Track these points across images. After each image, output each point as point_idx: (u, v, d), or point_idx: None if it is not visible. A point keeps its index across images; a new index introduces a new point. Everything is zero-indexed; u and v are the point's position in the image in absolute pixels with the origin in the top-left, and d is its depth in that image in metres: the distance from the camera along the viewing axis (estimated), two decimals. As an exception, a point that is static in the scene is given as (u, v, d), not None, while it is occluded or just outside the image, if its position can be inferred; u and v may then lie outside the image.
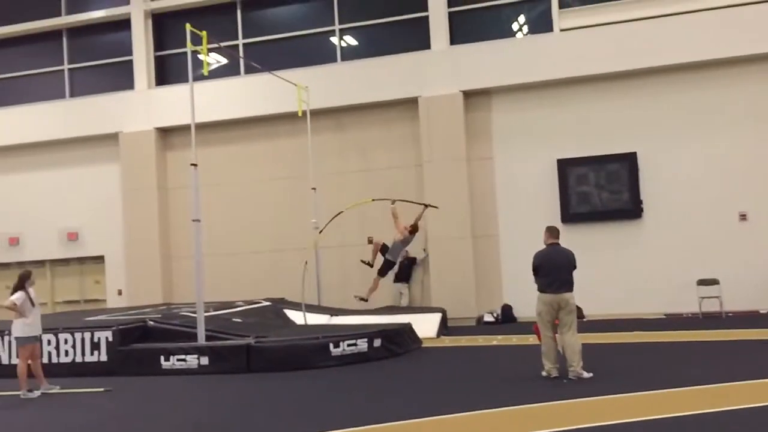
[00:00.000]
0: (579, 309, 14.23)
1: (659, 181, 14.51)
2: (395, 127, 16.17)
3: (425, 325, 12.88)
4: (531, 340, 10.30)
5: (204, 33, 11.84)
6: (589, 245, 14.41)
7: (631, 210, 14.58)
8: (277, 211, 16.59)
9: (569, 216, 14.82)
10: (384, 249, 13.69)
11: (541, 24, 15.55)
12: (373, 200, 14.10)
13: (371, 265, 13.85)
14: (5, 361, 11.35)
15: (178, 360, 10.71)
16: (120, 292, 17.63)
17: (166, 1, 17.73)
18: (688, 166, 14.44)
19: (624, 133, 14.75)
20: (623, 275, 14.54)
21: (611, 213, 14.70)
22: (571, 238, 14.22)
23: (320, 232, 13.75)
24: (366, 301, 13.86)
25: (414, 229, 13.48)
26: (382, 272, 13.81)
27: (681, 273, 14.18)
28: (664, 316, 14.14)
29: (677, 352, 10.24)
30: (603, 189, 14.72)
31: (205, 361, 10.60)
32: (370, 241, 16.02)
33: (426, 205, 13.67)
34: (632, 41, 14.51)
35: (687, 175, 14.42)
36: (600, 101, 14.98)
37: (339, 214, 13.93)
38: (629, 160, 14.56)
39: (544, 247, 8.84)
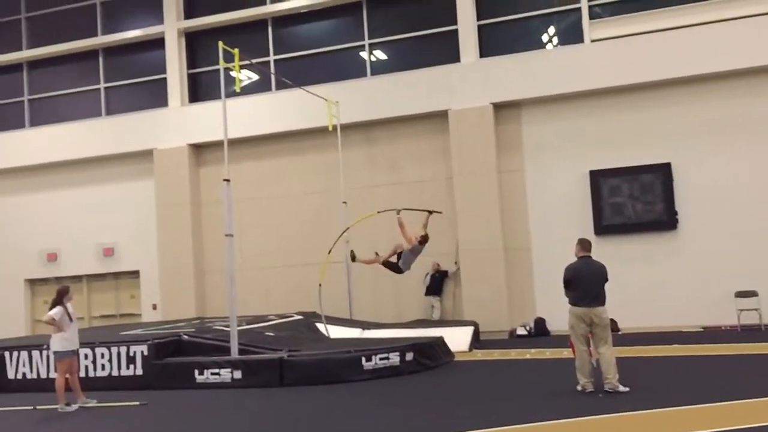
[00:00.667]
0: (614, 322, 14.10)
1: (694, 192, 14.30)
2: (425, 140, 16.19)
3: (457, 339, 12.81)
4: (565, 353, 10.18)
5: (236, 50, 12.01)
6: (623, 257, 14.25)
7: (666, 221, 14.37)
8: (309, 225, 16.67)
9: (602, 228, 14.66)
10: (400, 255, 13.34)
11: (572, 35, 15.47)
12: (378, 212, 13.87)
13: (353, 259, 13.52)
14: (44, 375, 11.56)
15: (212, 374, 10.79)
16: (155, 307, 17.86)
17: (199, 20, 18.04)
18: (723, 175, 14.20)
19: (657, 143, 14.58)
20: (659, 288, 14.31)
21: (645, 225, 14.51)
22: (605, 250, 14.06)
23: (329, 252, 13.58)
24: (353, 260, 13.47)
25: (424, 239, 13.09)
26: (387, 265, 13.22)
27: (718, 285, 13.92)
28: (702, 330, 13.88)
29: (716, 366, 10.03)
30: (636, 200, 14.54)
31: (238, 374, 10.67)
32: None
33: (430, 212, 13.44)
34: (664, 51, 14.36)
35: (723, 185, 14.19)
36: (632, 111, 14.83)
37: (346, 230, 13.80)
38: (663, 171, 14.37)
39: (575, 259, 8.75)
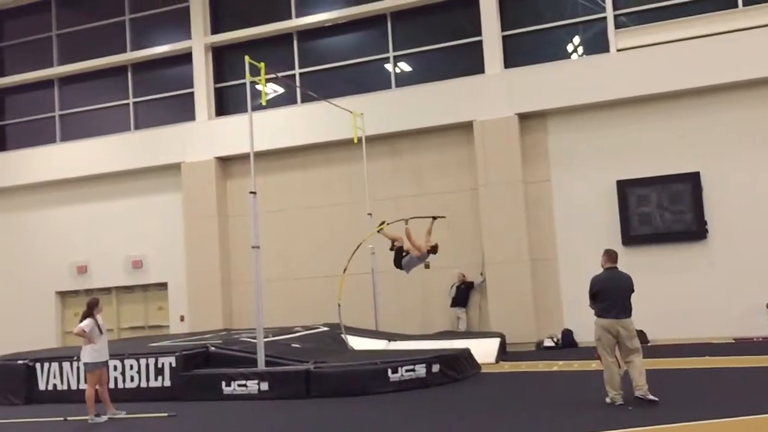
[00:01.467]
0: (643, 334, 13.93)
1: (724, 201, 14.10)
2: (450, 151, 16.18)
3: (484, 350, 12.72)
4: (594, 365, 10.07)
5: (262, 64, 12.14)
6: (652, 268, 14.08)
7: (695, 231, 14.18)
8: (334, 236, 16.72)
9: (630, 238, 14.51)
10: (399, 251, 13.15)
11: (597, 44, 15.40)
12: (383, 224, 13.68)
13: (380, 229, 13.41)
14: (74, 386, 11.71)
15: (239, 385, 10.84)
16: (182, 318, 18.01)
17: (226, 35, 18.26)
18: (754, 184, 13.99)
19: (685, 152, 14.42)
20: (689, 298, 14.11)
21: (674, 235, 14.32)
22: (633, 261, 13.95)
23: (344, 270, 13.57)
24: (379, 230, 13.35)
25: (434, 249, 12.87)
26: (396, 251, 13.11)
27: (750, 296, 13.67)
28: (734, 341, 13.63)
29: (748, 378, 9.85)
30: (665, 210, 14.37)
31: (265, 386, 10.71)
32: (426, 266, 16.00)
33: (434, 218, 13.42)
34: (692, 59, 14.22)
35: (753, 194, 13.97)
36: (659, 120, 14.69)
37: (357, 249, 13.72)
38: (692, 180, 14.20)
39: (601, 270, 8.67)
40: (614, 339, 8.35)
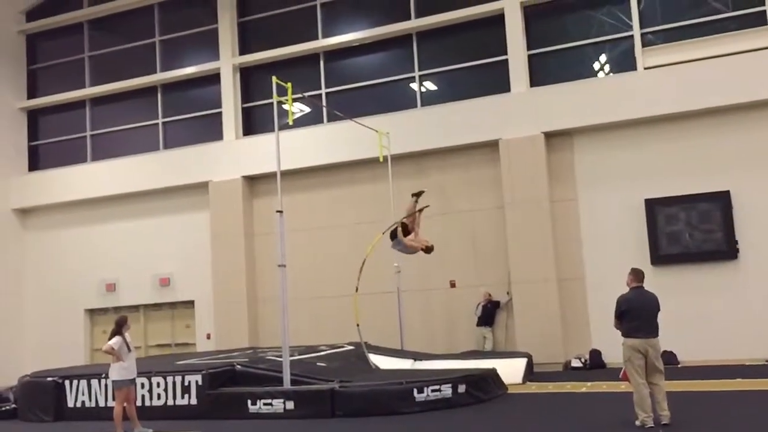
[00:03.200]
0: (673, 355, 13.75)
1: (755, 221, 13.86)
2: (476, 170, 16.16)
3: (510, 371, 12.60)
4: (623, 387, 9.92)
5: (289, 84, 12.26)
6: (682, 288, 13.89)
7: (726, 251, 13.95)
8: (360, 255, 16.67)
9: (659, 258, 14.32)
10: (393, 234, 13.28)
11: (624, 63, 15.33)
12: (383, 234, 13.70)
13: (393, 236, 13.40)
14: (102, 404, 11.81)
15: (265, 404, 10.86)
16: (209, 336, 18.10)
17: (253, 55, 18.49)
18: (786, 203, 13.77)
19: (715, 170, 14.23)
20: (720, 319, 13.86)
21: (704, 254, 14.11)
22: (663, 281, 13.77)
23: (357, 289, 13.59)
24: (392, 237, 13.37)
25: (429, 249, 13.22)
26: (404, 226, 13.30)
27: (783, 316, 13.41)
28: (766, 362, 13.35)
29: (783, 402, 9.64)
30: (695, 229, 14.18)
31: (290, 405, 10.71)
32: (452, 284, 15.98)
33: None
34: (720, 77, 14.09)
35: (786, 213, 13.74)
36: (688, 139, 14.54)
37: (364, 262, 13.75)
38: (722, 199, 14.00)
39: (628, 290, 8.58)
40: (643, 359, 8.25)
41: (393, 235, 13.36)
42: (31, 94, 21.21)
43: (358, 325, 13.37)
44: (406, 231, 13.32)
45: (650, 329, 8.31)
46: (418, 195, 13.75)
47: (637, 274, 8.63)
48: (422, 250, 13.31)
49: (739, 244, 13.91)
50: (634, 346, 8.28)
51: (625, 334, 8.37)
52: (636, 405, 8.27)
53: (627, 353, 8.34)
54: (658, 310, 8.45)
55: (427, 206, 13.84)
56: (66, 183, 19.93)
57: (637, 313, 8.33)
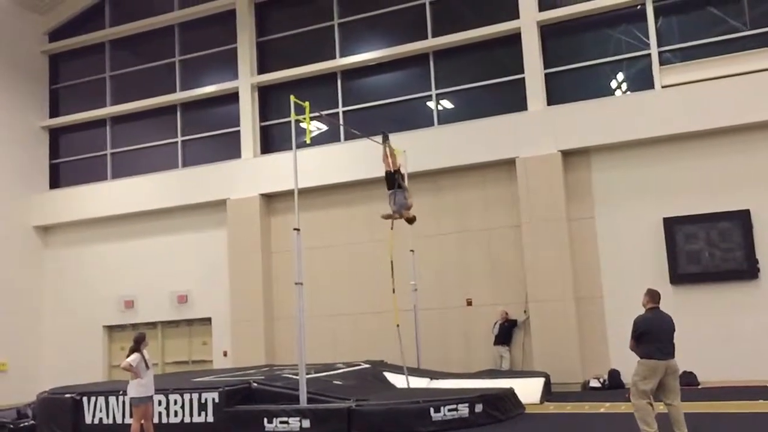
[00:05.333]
0: (693, 376, 13.58)
1: (776, 240, 13.74)
2: (492, 188, 16.15)
3: (528, 390, 12.51)
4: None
5: (307, 103, 12.36)
6: (702, 307, 13.78)
7: (746, 270, 13.80)
8: (376, 273, 16.71)
9: (678, 277, 14.19)
10: (392, 184, 13.19)
11: (641, 81, 15.31)
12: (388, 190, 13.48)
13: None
14: (119, 421, 11.85)
15: (281, 422, 10.83)
16: (225, 354, 18.14)
17: (272, 75, 18.68)
18: (807, 222, 13.62)
19: (734, 189, 14.13)
20: (741, 339, 13.68)
21: (724, 274, 13.96)
22: (682, 300, 13.70)
23: (393, 291, 13.48)
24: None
25: (411, 220, 13.12)
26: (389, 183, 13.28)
27: (806, 337, 13.22)
28: (789, 384, 13.16)
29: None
30: (714, 248, 14.05)
31: (306, 423, 10.67)
32: (469, 303, 15.93)
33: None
34: (739, 95, 14.02)
35: (807, 232, 13.59)
36: (707, 157, 14.45)
37: (392, 265, 13.64)
38: (742, 218, 13.88)
39: (644, 311, 8.53)
40: (658, 381, 8.17)
41: (391, 185, 13.13)
42: (53, 113, 21.53)
43: (398, 326, 13.30)
44: (392, 176, 13.17)
45: (669, 350, 8.26)
46: (386, 138, 13.63)
47: (653, 295, 8.56)
48: (406, 219, 13.07)
49: (760, 263, 13.76)
50: (653, 367, 8.20)
51: (645, 355, 8.29)
52: (641, 421, 8.16)
53: (644, 373, 8.26)
54: (674, 330, 8.42)
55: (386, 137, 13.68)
56: (86, 201, 20.15)
57: (655, 335, 8.27)
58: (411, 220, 13.26)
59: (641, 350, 8.33)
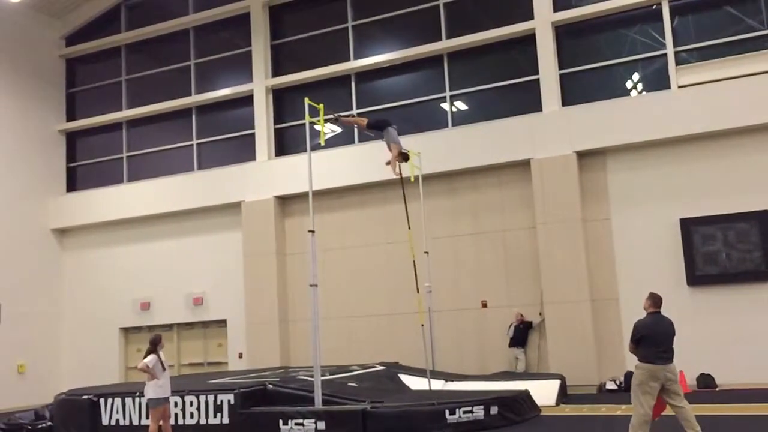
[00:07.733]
0: (711, 378, 13.45)
1: (795, 240, 13.58)
2: (507, 189, 16.10)
3: (543, 392, 12.45)
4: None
5: (321, 105, 12.38)
6: (720, 309, 13.64)
7: (765, 271, 13.66)
8: (391, 275, 16.73)
9: (695, 278, 14.07)
10: (383, 124, 13.19)
11: (657, 81, 15.20)
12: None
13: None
14: (136, 422, 11.90)
15: (296, 424, 10.83)
16: (240, 355, 18.19)
17: (286, 77, 18.73)
18: (827, 223, 13.45)
19: (752, 189, 13.98)
20: (759, 341, 13.51)
21: (742, 275, 13.82)
22: (700, 301, 13.59)
23: (417, 290, 13.47)
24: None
25: (404, 158, 13.04)
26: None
27: (826, 339, 13.06)
28: (809, 387, 13.00)
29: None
30: (732, 249, 13.92)
31: (321, 425, 10.66)
32: (484, 305, 15.89)
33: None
34: (755, 95, 13.89)
35: (827, 233, 13.42)
36: (724, 158, 14.33)
37: (414, 263, 13.59)
38: (760, 219, 13.74)
39: (645, 315, 8.47)
40: (659, 386, 8.09)
41: (382, 125, 13.16)
42: (70, 116, 21.72)
43: (422, 326, 13.33)
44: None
45: (668, 355, 8.20)
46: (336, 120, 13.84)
47: (655, 300, 8.50)
48: (402, 154, 13.02)
49: (779, 264, 13.63)
50: (653, 371, 8.13)
51: (644, 360, 8.23)
52: (633, 428, 8.12)
53: (643, 378, 8.18)
54: (674, 335, 8.34)
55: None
56: (102, 203, 20.30)
57: (655, 340, 8.21)
58: (406, 156, 13.06)
59: (640, 354, 8.29)
